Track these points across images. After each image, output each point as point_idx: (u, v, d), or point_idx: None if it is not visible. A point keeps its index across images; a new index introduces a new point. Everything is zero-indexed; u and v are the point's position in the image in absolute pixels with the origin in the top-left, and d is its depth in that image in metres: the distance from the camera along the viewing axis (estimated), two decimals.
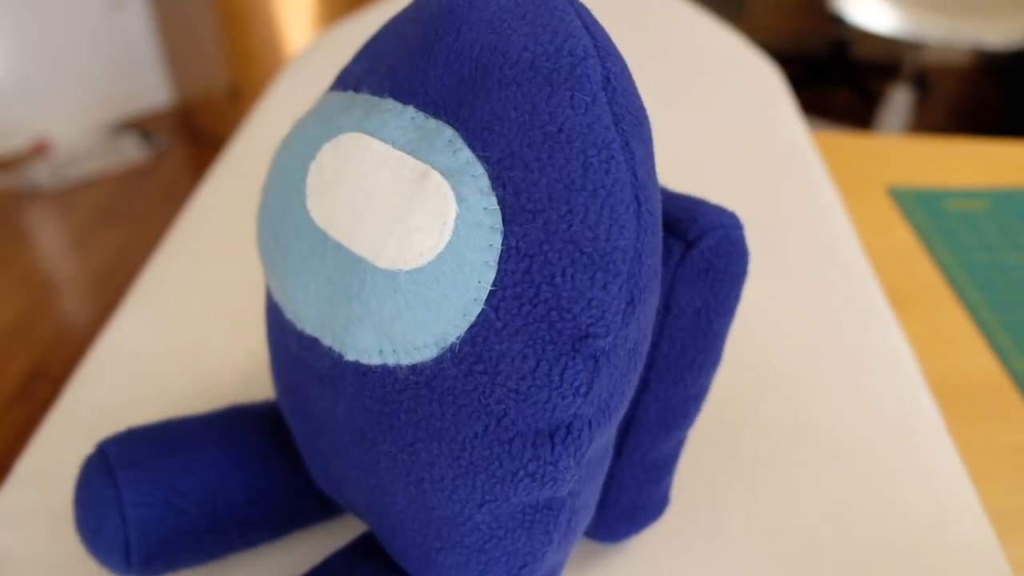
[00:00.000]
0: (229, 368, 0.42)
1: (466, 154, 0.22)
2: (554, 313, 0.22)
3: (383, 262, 0.22)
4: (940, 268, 0.62)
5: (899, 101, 1.88)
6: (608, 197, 0.22)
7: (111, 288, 1.72)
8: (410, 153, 0.23)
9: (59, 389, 1.50)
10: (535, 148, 0.22)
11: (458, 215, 0.22)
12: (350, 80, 0.27)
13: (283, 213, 0.26)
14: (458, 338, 0.22)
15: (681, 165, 0.60)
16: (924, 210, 0.68)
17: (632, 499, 0.32)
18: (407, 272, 0.22)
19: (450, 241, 0.22)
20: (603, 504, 0.32)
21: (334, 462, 0.27)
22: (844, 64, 2.44)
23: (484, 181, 0.22)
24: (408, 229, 0.22)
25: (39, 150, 2.06)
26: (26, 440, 1.42)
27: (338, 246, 0.24)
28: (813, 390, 0.42)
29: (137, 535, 0.29)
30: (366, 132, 0.24)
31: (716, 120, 0.66)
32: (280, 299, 0.27)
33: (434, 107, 0.24)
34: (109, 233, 1.88)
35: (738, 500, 0.36)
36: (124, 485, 0.29)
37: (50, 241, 1.87)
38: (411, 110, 0.24)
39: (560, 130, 0.22)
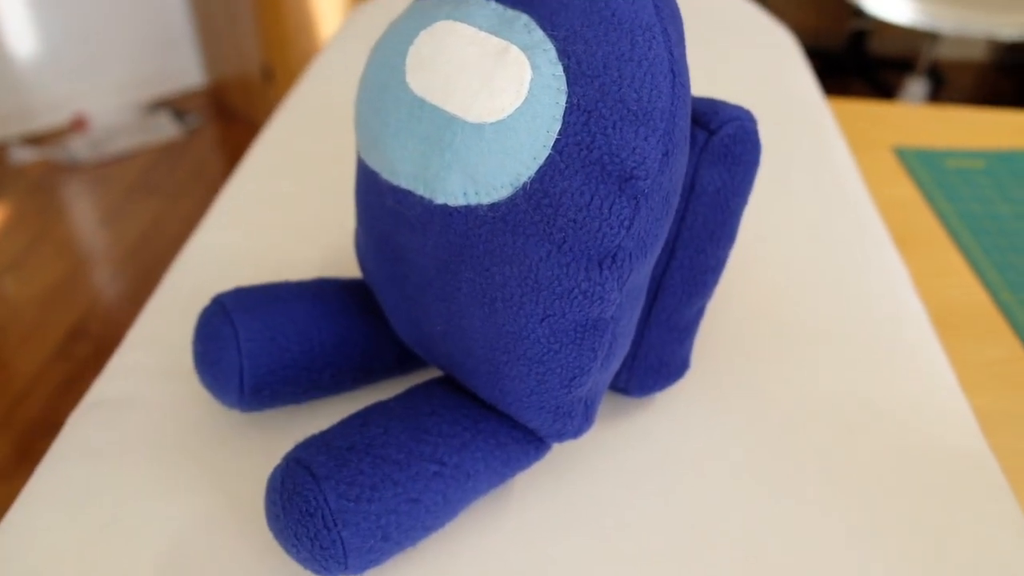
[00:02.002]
0: (305, 265, 0.48)
1: (539, 33, 0.28)
2: (606, 157, 0.28)
3: (472, 117, 0.28)
4: (939, 216, 0.68)
5: (915, 93, 1.92)
6: (650, 67, 0.28)
7: (144, 257, 1.79)
8: (493, 34, 0.29)
9: (98, 347, 1.57)
10: (593, 27, 0.28)
11: (532, 79, 0.28)
12: None
13: (383, 89, 0.32)
14: (529, 178, 0.28)
15: None
16: (926, 167, 0.74)
17: (659, 356, 0.38)
18: (492, 124, 0.28)
19: (526, 99, 0.28)
20: (633, 360, 0.38)
21: (419, 301, 0.33)
22: (861, 58, 2.49)
23: (553, 53, 0.28)
24: (493, 90, 0.28)
25: (78, 125, 2.14)
26: (68, 395, 1.49)
27: (434, 108, 0.30)
28: (816, 292, 0.48)
29: (250, 365, 0.35)
30: (456, 20, 0.30)
31: (735, 78, 0.72)
32: (376, 163, 0.33)
33: (512, 0, 0.30)
34: (143, 206, 1.95)
35: (749, 373, 0.42)
36: (240, 324, 0.35)
37: (87, 212, 1.94)
38: (492, 3, 0.30)
39: (613, 14, 0.28)
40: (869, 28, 2.50)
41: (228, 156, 2.13)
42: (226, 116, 2.30)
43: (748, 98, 0.69)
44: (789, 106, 0.68)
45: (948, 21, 1.69)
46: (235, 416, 0.39)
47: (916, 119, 0.82)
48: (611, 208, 0.28)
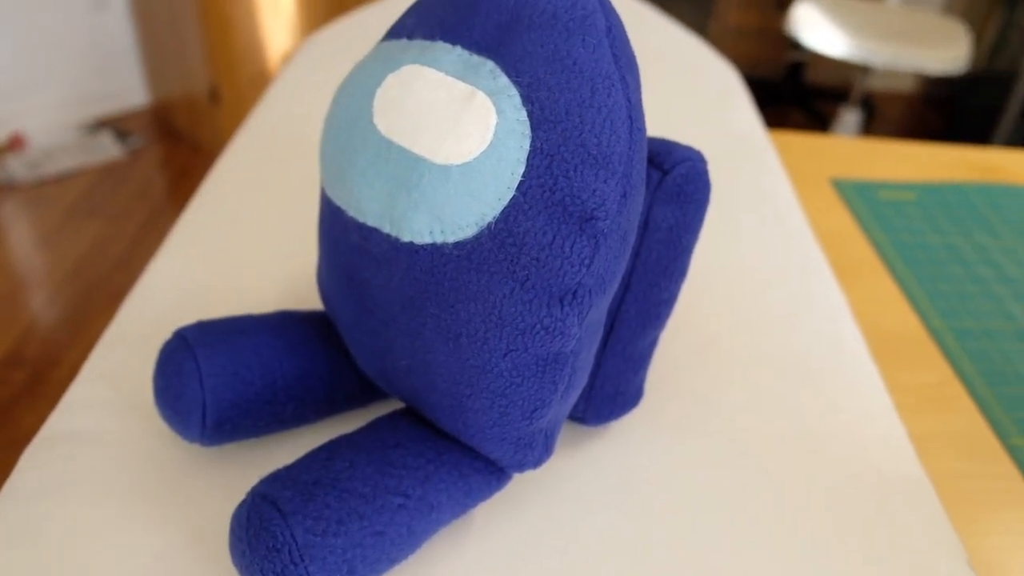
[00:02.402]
0: (264, 296, 0.48)
1: (504, 79, 0.30)
2: (567, 199, 0.29)
3: (439, 159, 0.29)
4: (874, 246, 0.71)
5: (849, 122, 2.00)
6: (609, 113, 0.29)
7: (84, 281, 1.75)
8: (460, 79, 0.30)
9: (34, 373, 1.53)
10: (556, 75, 0.29)
11: (498, 123, 0.29)
12: (403, 31, 0.34)
13: (350, 129, 0.33)
14: (494, 218, 0.29)
15: None
16: (862, 199, 0.77)
17: (615, 386, 0.39)
18: (458, 166, 0.29)
19: (492, 143, 0.29)
20: (590, 390, 0.39)
21: (383, 335, 0.34)
22: (799, 88, 2.58)
23: (517, 99, 0.29)
24: (460, 134, 0.29)
25: (14, 145, 2.09)
26: (3, 422, 1.44)
27: (401, 149, 0.30)
28: (762, 322, 0.50)
29: (212, 400, 0.35)
30: (424, 64, 0.31)
31: (682, 112, 0.75)
32: (342, 201, 0.33)
33: (477, 47, 0.31)
34: (83, 228, 1.91)
35: (699, 402, 0.44)
36: (202, 359, 0.36)
37: (24, 234, 1.89)
38: (459, 49, 0.31)
39: (575, 63, 0.29)
40: (806, 60, 2.60)
41: (172, 177, 2.10)
42: (170, 137, 2.27)
43: (694, 132, 0.72)
44: (733, 140, 0.71)
45: (880, 55, 1.77)
46: (196, 450, 0.39)
47: (853, 152, 0.86)
48: (572, 247, 0.29)
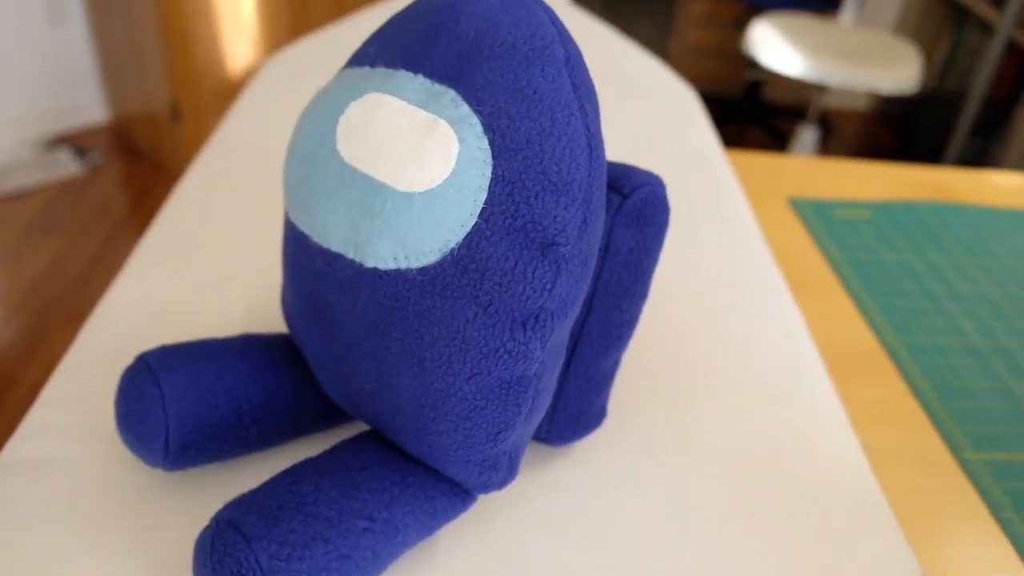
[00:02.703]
0: (227, 319, 0.48)
1: (465, 108, 0.30)
2: (529, 225, 0.30)
3: (402, 186, 0.30)
4: (830, 263, 0.72)
5: (806, 140, 2.04)
6: (569, 141, 0.30)
7: (41, 299, 1.71)
8: (422, 108, 0.31)
9: None
10: (516, 104, 0.30)
11: (460, 151, 0.30)
12: (365, 59, 0.35)
13: (313, 155, 0.33)
14: (457, 244, 0.30)
15: None
16: (818, 217, 0.79)
17: (578, 406, 0.40)
18: (421, 193, 0.30)
19: (454, 170, 0.30)
20: (554, 411, 0.40)
21: (348, 359, 0.34)
22: (757, 106, 2.62)
23: (479, 128, 0.30)
24: (422, 162, 0.30)
25: None
26: None
27: (364, 176, 0.31)
28: (721, 341, 0.51)
29: (176, 425, 0.35)
30: (386, 93, 0.32)
31: (641, 133, 0.76)
32: (307, 226, 0.34)
33: (439, 76, 0.31)
34: (40, 246, 1.87)
35: (661, 420, 0.44)
36: (165, 384, 0.35)
37: None
38: (420, 78, 0.32)
39: (535, 92, 0.30)
40: (764, 79, 2.65)
41: (133, 195, 2.07)
42: (130, 153, 2.24)
43: (653, 152, 0.73)
44: (692, 160, 0.72)
45: (834, 75, 1.81)
46: (159, 475, 0.38)
47: (809, 171, 0.88)
48: (534, 272, 0.30)
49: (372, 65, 0.34)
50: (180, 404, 0.35)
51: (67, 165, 2.12)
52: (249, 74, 2.09)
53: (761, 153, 0.83)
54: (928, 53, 2.59)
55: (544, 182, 0.30)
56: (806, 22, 2.05)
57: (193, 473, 0.39)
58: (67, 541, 0.35)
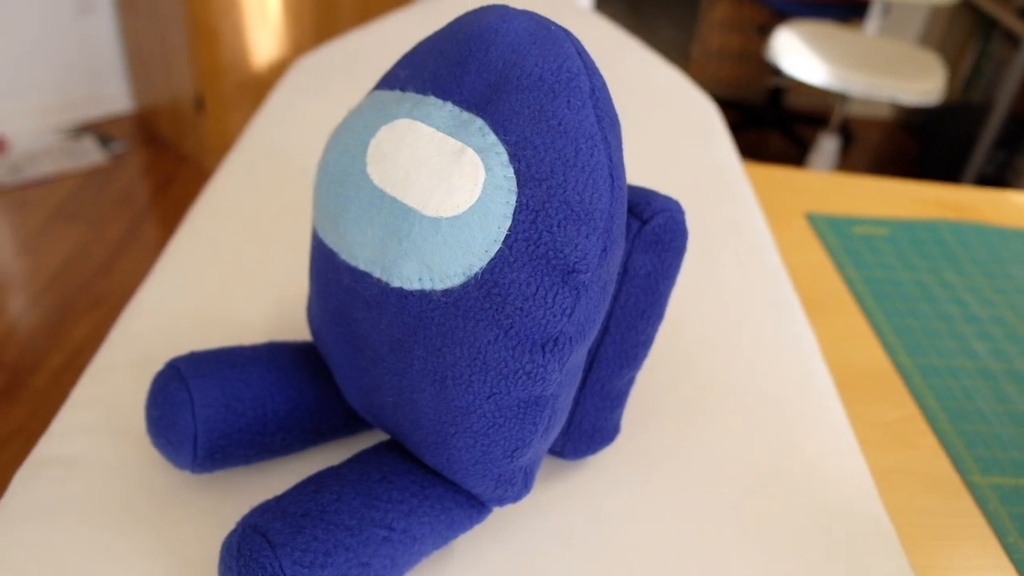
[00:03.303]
0: (251, 324, 0.50)
1: (492, 137, 0.31)
2: (551, 253, 0.31)
3: (429, 211, 0.31)
4: (846, 281, 0.73)
5: (827, 148, 2.04)
6: (592, 172, 0.31)
7: (65, 286, 1.74)
8: (450, 135, 0.32)
9: (12, 378, 1.52)
10: (542, 135, 0.31)
11: (486, 179, 0.31)
12: (396, 82, 0.36)
13: (344, 176, 0.34)
14: (481, 269, 0.31)
15: (630, 183, 0.70)
16: (835, 233, 0.80)
17: (592, 423, 0.41)
18: (447, 219, 0.31)
19: (480, 197, 0.31)
20: (569, 426, 0.41)
21: (371, 372, 0.35)
22: (779, 112, 2.62)
23: (505, 157, 0.31)
24: (450, 187, 0.31)
25: None
26: None
27: (393, 200, 0.32)
28: (734, 360, 0.52)
29: (204, 430, 0.37)
30: (416, 119, 0.33)
31: (662, 146, 0.77)
32: (335, 244, 0.35)
33: (467, 104, 0.33)
34: (64, 233, 1.90)
35: (673, 437, 0.45)
36: (195, 390, 0.37)
37: (5, 238, 1.88)
38: (450, 105, 0.33)
39: (560, 124, 0.31)
40: (786, 85, 2.64)
41: (156, 184, 2.10)
42: (153, 143, 2.26)
43: (673, 166, 0.74)
44: (711, 174, 0.73)
45: (856, 84, 1.81)
46: (185, 476, 0.40)
47: (828, 186, 0.88)
48: (555, 298, 0.31)
49: (403, 89, 0.35)
50: (209, 410, 0.37)
51: (92, 153, 2.15)
52: (273, 69, 2.11)
53: (780, 167, 0.84)
54: (954, 64, 2.58)
55: (567, 211, 0.31)
56: (830, 30, 2.04)
57: (219, 475, 0.40)
58: (97, 539, 0.37)
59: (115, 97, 2.35)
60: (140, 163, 2.18)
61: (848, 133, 2.68)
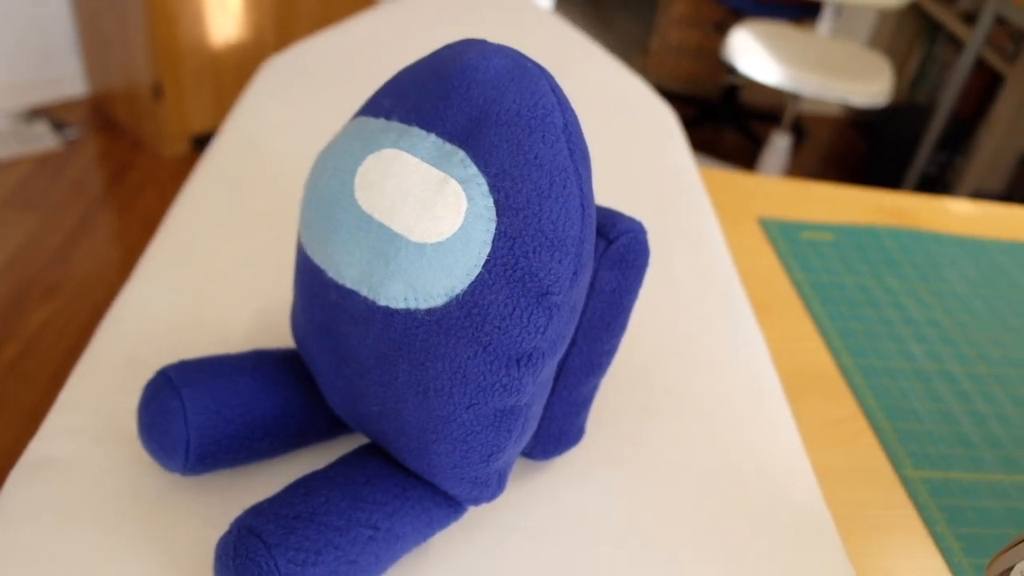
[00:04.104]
0: (232, 328, 0.52)
1: (473, 169, 0.34)
2: (527, 276, 0.34)
3: (415, 237, 0.34)
4: (794, 285, 0.77)
5: (779, 146, 2.10)
6: (565, 202, 0.34)
7: (19, 275, 1.72)
8: (434, 165, 0.34)
9: None
10: (519, 168, 0.34)
11: (468, 208, 0.33)
12: (380, 110, 0.38)
13: (332, 200, 0.36)
14: (462, 290, 0.34)
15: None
16: (784, 238, 0.84)
17: (560, 426, 0.44)
18: (432, 244, 0.33)
19: (462, 225, 0.33)
20: (539, 430, 0.44)
21: (356, 383, 0.38)
22: (734, 108, 2.68)
23: (485, 188, 0.34)
24: (434, 216, 0.33)
25: None
26: None
27: (380, 225, 0.34)
28: (690, 365, 0.55)
29: (196, 437, 0.39)
30: (401, 149, 0.35)
31: (620, 152, 0.80)
32: (323, 262, 0.37)
33: (449, 136, 0.35)
34: (17, 219, 1.87)
35: (633, 438, 0.49)
36: (187, 399, 0.39)
37: None
38: (433, 136, 0.35)
39: (536, 157, 0.34)
40: (741, 83, 2.70)
41: (110, 171, 2.07)
42: (109, 129, 2.23)
43: (632, 171, 0.77)
44: (668, 181, 0.76)
45: (809, 85, 1.86)
46: (175, 479, 0.42)
47: (779, 191, 0.93)
48: (529, 318, 0.34)
49: (387, 117, 0.37)
50: (200, 418, 0.39)
51: (44, 139, 2.11)
52: (234, 56, 2.09)
53: (734, 172, 0.88)
54: (900, 65, 2.66)
55: (541, 239, 0.34)
56: (784, 30, 2.10)
57: (207, 477, 0.42)
58: (90, 540, 0.39)
59: (68, 80, 2.31)
60: (95, 149, 2.15)
61: (800, 130, 2.75)
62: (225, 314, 0.53)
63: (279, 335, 0.52)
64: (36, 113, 2.22)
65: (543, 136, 0.34)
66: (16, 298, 1.68)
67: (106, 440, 0.44)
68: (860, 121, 2.80)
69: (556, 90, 0.35)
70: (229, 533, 0.35)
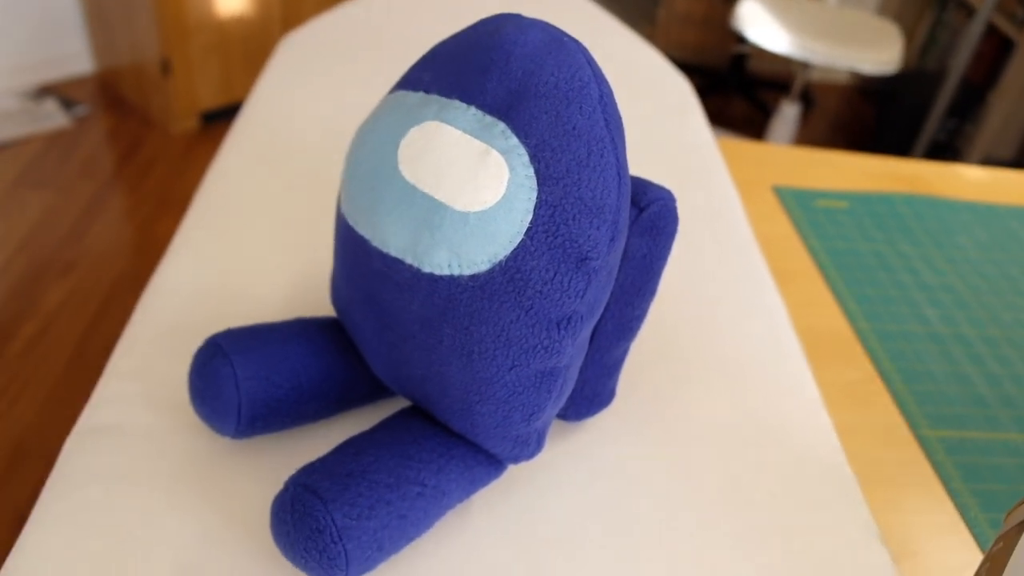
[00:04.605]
0: (270, 295, 0.53)
1: (514, 140, 0.35)
2: (567, 243, 0.35)
3: (459, 206, 0.35)
4: (810, 252, 0.79)
5: (788, 114, 2.10)
6: (602, 171, 0.35)
7: (34, 253, 1.73)
8: (475, 137, 0.36)
9: None
10: (558, 138, 0.35)
11: (510, 178, 0.35)
12: (419, 84, 0.39)
13: (375, 171, 0.38)
14: (505, 257, 0.35)
15: None
16: (799, 206, 0.85)
17: (593, 388, 0.46)
18: (475, 213, 0.35)
19: (505, 195, 0.35)
20: (572, 393, 0.45)
21: (400, 348, 0.39)
22: (742, 78, 2.67)
23: (526, 158, 0.35)
24: (477, 186, 0.35)
25: None
26: None
27: (425, 195, 0.36)
28: (713, 330, 0.57)
29: (247, 401, 0.40)
30: (443, 121, 0.36)
31: (640, 125, 0.81)
32: (367, 232, 0.38)
33: (489, 108, 0.36)
34: (31, 198, 1.88)
35: (661, 400, 0.50)
36: (238, 365, 0.41)
37: None
38: (473, 109, 0.36)
39: (574, 128, 0.35)
40: (749, 52, 2.69)
41: (121, 149, 2.08)
42: (117, 106, 2.24)
43: (651, 143, 0.78)
44: (687, 152, 0.77)
45: (818, 54, 1.86)
46: (226, 442, 0.44)
47: (793, 159, 0.94)
48: (570, 282, 0.36)
49: (427, 91, 0.39)
50: (251, 383, 0.41)
51: (54, 117, 2.12)
52: (241, 30, 2.09)
53: (748, 142, 0.89)
54: (909, 32, 2.65)
55: (580, 206, 0.35)
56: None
57: (255, 440, 0.44)
58: (148, 501, 0.41)
59: (76, 57, 2.31)
60: (105, 127, 2.15)
61: (808, 98, 2.74)
62: (260, 284, 0.54)
63: (314, 303, 0.54)
64: (44, 91, 2.23)
65: (580, 107, 0.36)
66: (33, 276, 1.70)
67: (156, 407, 0.45)
68: (868, 88, 2.79)
69: (591, 62, 0.37)
70: (285, 491, 0.36)
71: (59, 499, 0.40)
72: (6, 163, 1.98)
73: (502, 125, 0.36)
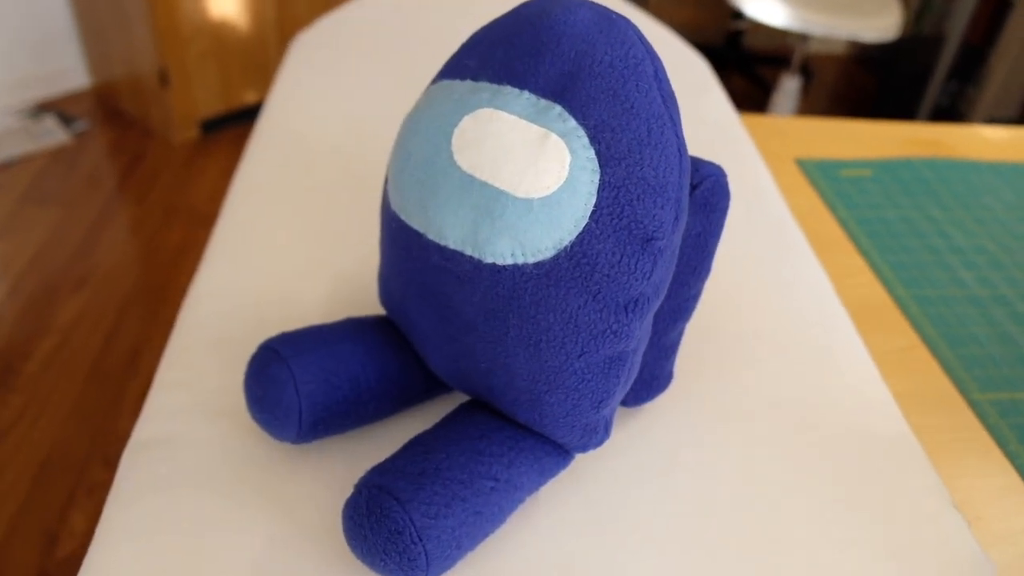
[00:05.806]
0: (311, 298, 0.53)
1: (572, 122, 0.35)
2: (632, 224, 0.34)
3: (521, 193, 0.34)
4: (839, 222, 0.78)
5: (789, 88, 2.08)
6: (664, 149, 0.35)
7: (44, 271, 1.73)
8: (531, 122, 0.35)
9: (4, 366, 1.52)
10: (616, 118, 0.34)
11: (571, 161, 0.34)
12: (466, 71, 0.38)
13: (429, 163, 0.37)
14: (570, 242, 0.34)
15: None
16: (824, 177, 0.84)
17: (651, 372, 0.45)
18: (538, 199, 0.34)
19: (567, 178, 0.34)
20: None
21: (462, 341, 0.39)
22: (738, 54, 2.65)
23: (585, 140, 0.34)
24: (539, 170, 0.34)
25: None
26: None
27: (483, 184, 0.35)
28: (762, 306, 0.56)
29: (307, 406, 0.40)
30: (497, 108, 0.36)
31: None
32: (422, 226, 0.38)
33: (543, 91, 0.36)
34: (37, 216, 1.88)
35: (719, 380, 0.50)
36: (296, 369, 0.40)
37: None
38: (526, 93, 0.36)
39: (632, 106, 0.34)
40: (745, 28, 2.67)
41: (124, 162, 2.07)
42: (116, 119, 2.22)
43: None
44: (713, 130, 0.77)
45: (817, 25, 1.85)
46: (284, 447, 0.43)
47: (812, 131, 0.93)
48: (636, 264, 0.35)
49: (474, 79, 0.38)
50: (311, 386, 0.40)
51: (54, 133, 2.11)
52: (238, 35, 2.08)
53: (765, 116, 0.88)
54: None
55: (644, 186, 0.34)
56: None
57: (314, 445, 0.44)
58: (211, 508, 0.40)
59: (71, 72, 2.29)
60: (105, 141, 2.14)
61: (807, 71, 2.73)
62: (300, 287, 0.54)
63: (359, 303, 0.53)
64: (42, 108, 2.21)
65: (636, 85, 0.35)
66: (46, 293, 1.69)
67: (208, 416, 0.45)
68: (865, 57, 2.78)
69: (642, 39, 0.36)
70: (358, 494, 0.36)
71: (122, 512, 0.40)
72: (10, 182, 1.97)
73: (558, 108, 0.35)
